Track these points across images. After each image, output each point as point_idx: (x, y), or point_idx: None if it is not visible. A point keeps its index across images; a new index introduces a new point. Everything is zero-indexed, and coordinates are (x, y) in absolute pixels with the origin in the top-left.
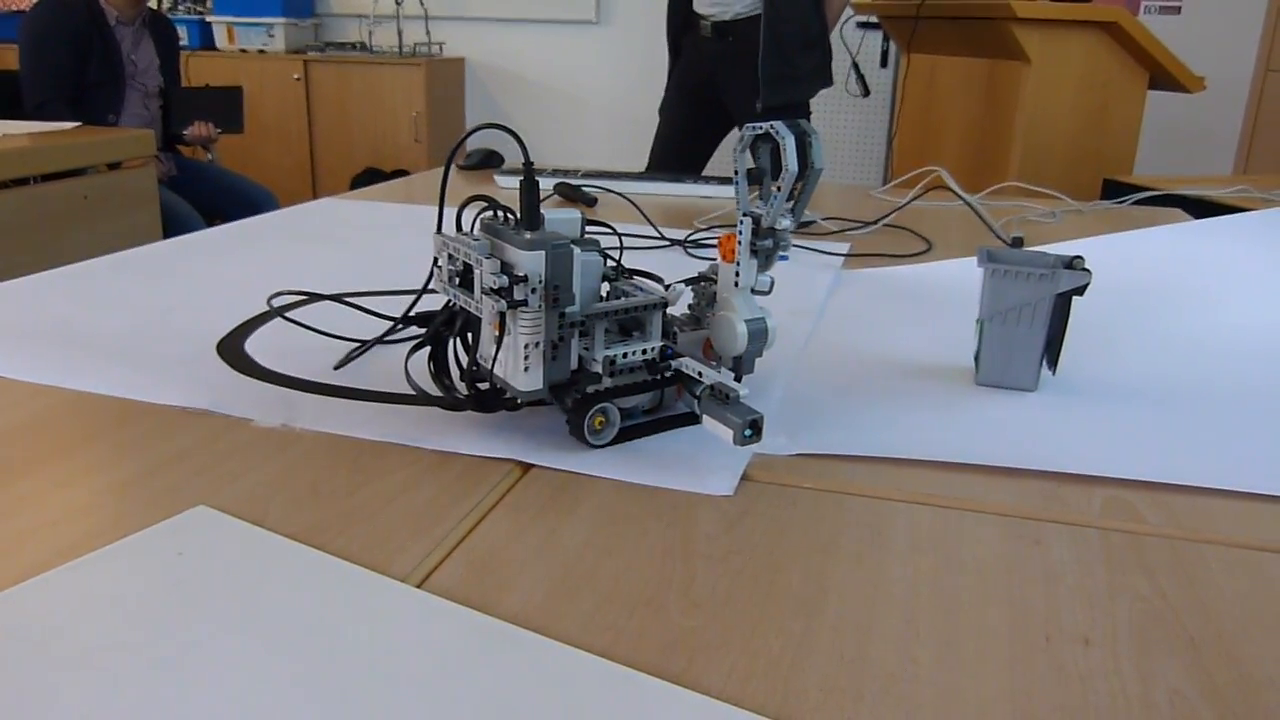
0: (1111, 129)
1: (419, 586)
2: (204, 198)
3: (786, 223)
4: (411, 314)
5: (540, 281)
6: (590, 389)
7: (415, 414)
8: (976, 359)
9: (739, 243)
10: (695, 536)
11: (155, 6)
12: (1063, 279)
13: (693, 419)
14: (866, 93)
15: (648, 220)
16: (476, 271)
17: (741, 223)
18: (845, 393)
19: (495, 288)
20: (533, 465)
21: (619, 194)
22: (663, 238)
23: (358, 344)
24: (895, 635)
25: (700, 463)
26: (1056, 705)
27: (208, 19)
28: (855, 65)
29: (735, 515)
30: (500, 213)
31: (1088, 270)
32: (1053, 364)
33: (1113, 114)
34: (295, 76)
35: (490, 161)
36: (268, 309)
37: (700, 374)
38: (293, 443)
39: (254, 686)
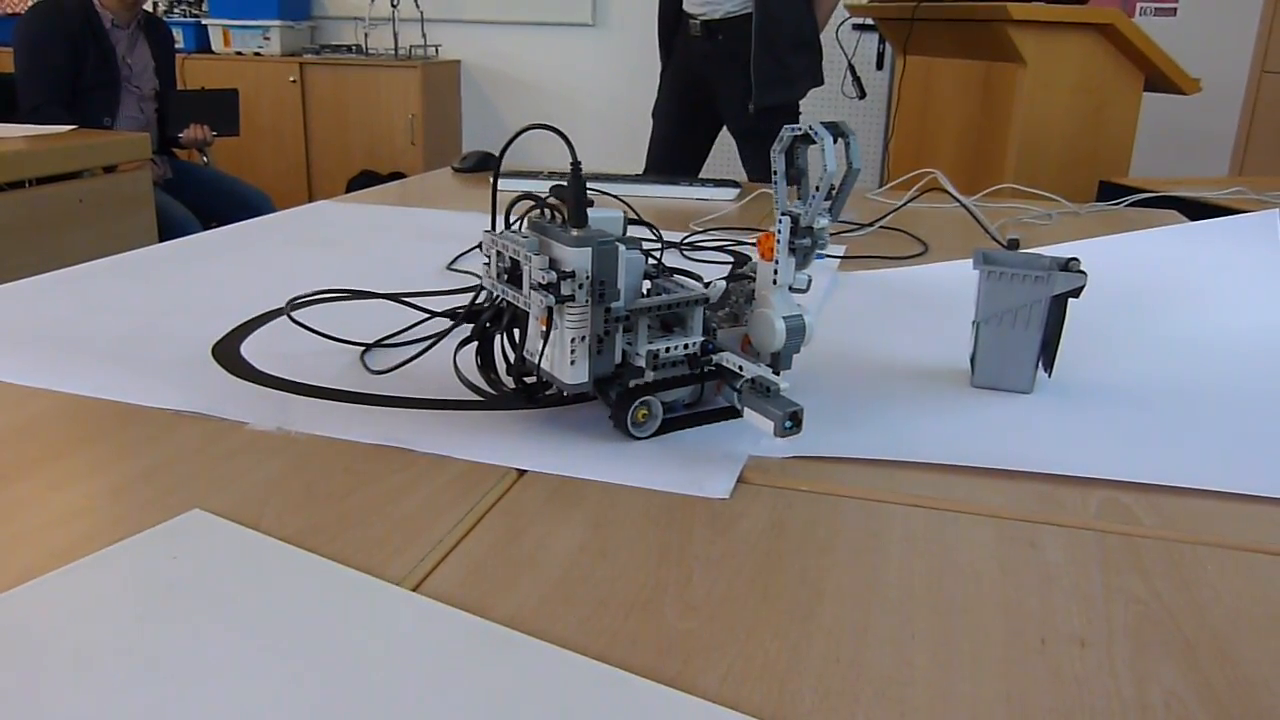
0: (1107, 131)
1: (414, 590)
2: (200, 201)
3: (825, 221)
4: (459, 310)
5: (587, 277)
6: (633, 383)
7: (411, 417)
8: (972, 361)
9: (778, 241)
10: (691, 539)
11: (150, 9)
12: (1058, 281)
13: (733, 413)
14: (862, 95)
15: (643, 222)
16: (525, 268)
17: (780, 222)
18: (841, 395)
19: (543, 283)
20: (528, 469)
21: (613, 196)
22: (659, 240)
23: (365, 347)
24: (891, 638)
25: (696, 466)
26: (1052, 708)
27: (203, 22)
28: (851, 67)
29: (731, 518)
30: (548, 211)
31: (1083, 272)
32: (1048, 366)
33: (1108, 116)
34: (291, 79)
35: (486, 164)
36: (263, 312)
37: (741, 368)
38: (288, 446)
39: (249, 690)
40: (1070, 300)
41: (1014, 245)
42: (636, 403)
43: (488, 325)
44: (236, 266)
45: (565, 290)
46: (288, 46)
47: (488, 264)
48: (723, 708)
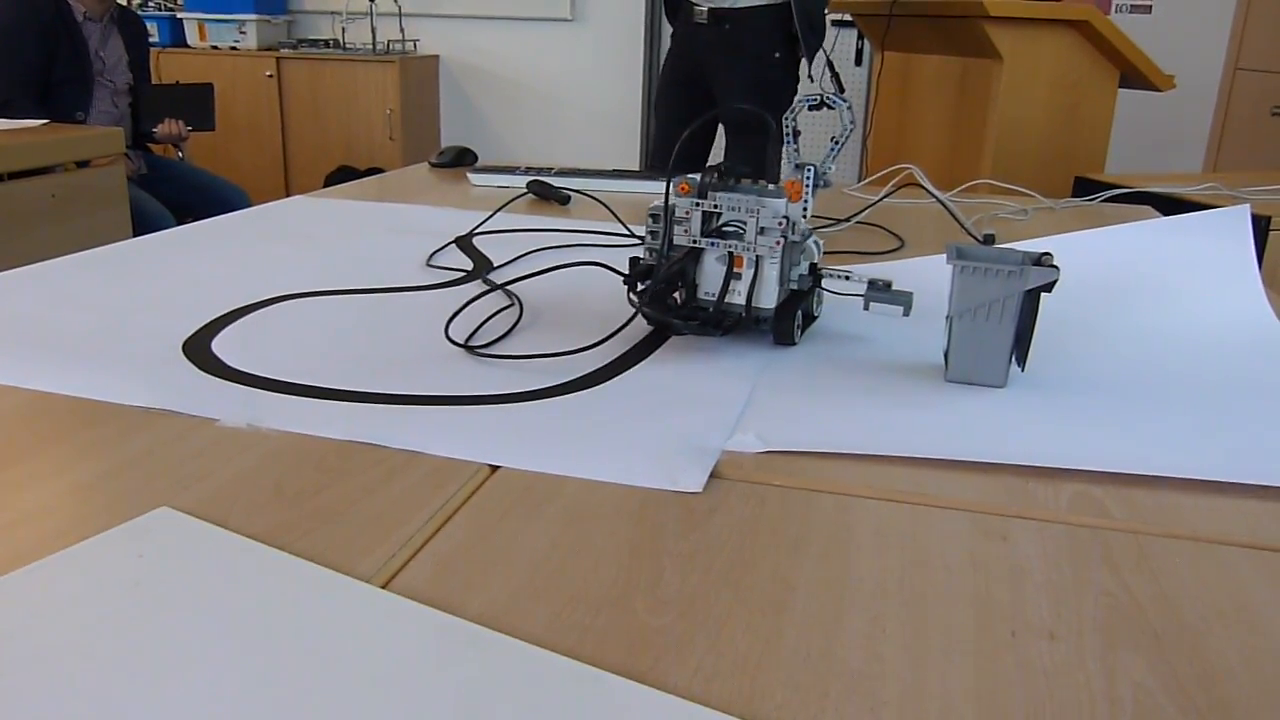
0: (1083, 127)
1: (384, 587)
2: (175, 196)
3: (833, 167)
4: (635, 271)
5: (792, 220)
6: (784, 300)
7: (383, 413)
8: (946, 356)
9: (805, 185)
10: (663, 535)
11: (124, 2)
12: (1031, 276)
13: (812, 319)
14: (841, 90)
15: (616, 218)
16: (750, 220)
17: (808, 170)
18: (815, 390)
19: (770, 228)
20: (501, 465)
21: (587, 194)
22: (631, 234)
23: (463, 345)
24: (862, 632)
25: (669, 460)
26: (1021, 700)
27: (179, 16)
28: (830, 63)
29: (704, 513)
30: (718, 175)
31: (1055, 267)
32: (1021, 361)
33: (1084, 112)
34: (268, 74)
35: (464, 159)
36: (236, 308)
37: (848, 276)
38: (258, 443)
39: (217, 689)
40: (1043, 295)
41: (990, 240)
42: (796, 314)
43: (675, 272)
44: (210, 262)
45: (785, 231)
46: (264, 41)
47: (685, 224)
48: (693, 703)
